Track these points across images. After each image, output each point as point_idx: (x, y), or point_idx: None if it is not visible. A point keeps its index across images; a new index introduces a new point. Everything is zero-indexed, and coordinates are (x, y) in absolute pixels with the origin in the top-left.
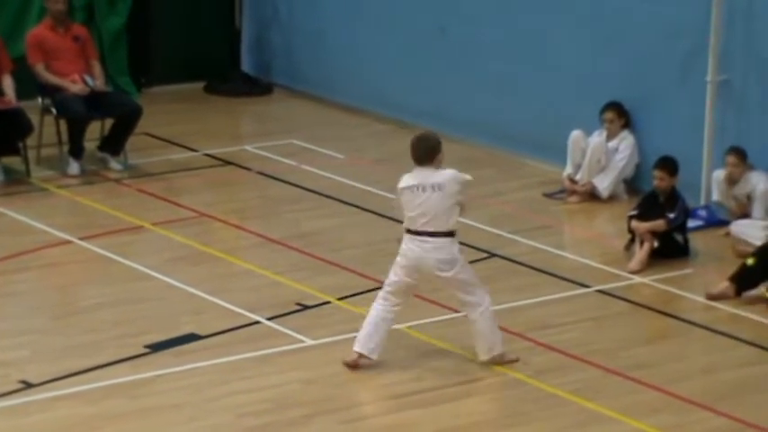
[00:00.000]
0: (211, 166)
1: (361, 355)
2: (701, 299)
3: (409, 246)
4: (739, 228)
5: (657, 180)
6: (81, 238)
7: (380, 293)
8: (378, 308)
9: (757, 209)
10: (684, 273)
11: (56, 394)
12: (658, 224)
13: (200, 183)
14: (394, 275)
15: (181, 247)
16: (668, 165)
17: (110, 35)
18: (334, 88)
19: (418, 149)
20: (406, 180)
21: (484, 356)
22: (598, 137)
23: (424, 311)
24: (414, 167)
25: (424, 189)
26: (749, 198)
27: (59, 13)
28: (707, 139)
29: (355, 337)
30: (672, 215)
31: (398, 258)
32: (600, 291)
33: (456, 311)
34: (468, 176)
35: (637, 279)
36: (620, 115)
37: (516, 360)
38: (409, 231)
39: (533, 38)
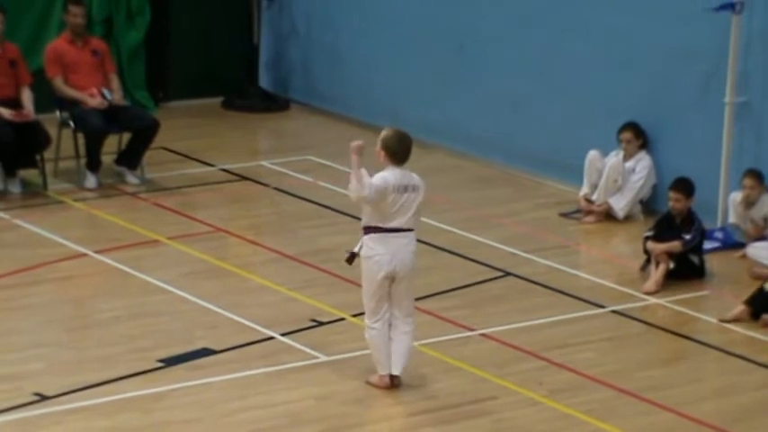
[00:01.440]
0: (228, 182)
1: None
2: (717, 321)
3: (379, 247)
4: (755, 250)
5: (673, 201)
6: (97, 252)
7: (376, 323)
8: (382, 329)
9: None
10: (700, 294)
11: (70, 407)
12: (674, 245)
13: (216, 198)
14: (374, 299)
15: (196, 261)
16: (684, 186)
17: (128, 49)
18: (350, 105)
19: (407, 149)
20: (393, 179)
21: (397, 371)
22: (615, 157)
23: (438, 329)
24: (393, 166)
25: (406, 189)
26: (766, 220)
27: (78, 27)
28: (724, 161)
29: (365, 353)
30: (688, 236)
31: (373, 271)
32: (615, 311)
33: (471, 329)
34: None
35: (652, 300)
36: (637, 136)
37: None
38: (379, 230)
39: (551, 57)
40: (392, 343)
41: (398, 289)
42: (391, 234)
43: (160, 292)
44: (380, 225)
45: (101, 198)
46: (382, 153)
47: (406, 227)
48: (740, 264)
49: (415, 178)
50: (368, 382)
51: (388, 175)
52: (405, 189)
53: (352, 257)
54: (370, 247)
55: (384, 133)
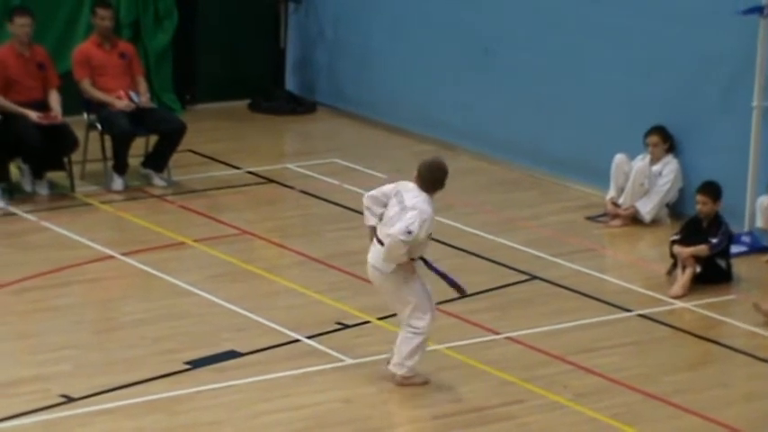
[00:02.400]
0: (254, 184)
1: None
2: (744, 325)
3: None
4: None
5: (700, 205)
6: (123, 254)
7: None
8: None
9: None
10: (727, 298)
11: (96, 409)
12: (701, 249)
13: (242, 200)
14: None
15: (222, 264)
16: (711, 189)
17: (155, 52)
18: (377, 108)
19: (444, 178)
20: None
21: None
22: (642, 161)
23: (464, 333)
24: (418, 187)
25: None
26: None
27: (106, 30)
28: (752, 165)
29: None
30: (715, 240)
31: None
32: (641, 315)
33: (496, 333)
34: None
35: (679, 304)
36: (664, 139)
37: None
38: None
39: (577, 60)
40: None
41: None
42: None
43: (186, 295)
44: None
45: (127, 200)
46: (419, 180)
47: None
48: (767, 268)
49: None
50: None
51: (429, 204)
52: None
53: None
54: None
55: (424, 161)
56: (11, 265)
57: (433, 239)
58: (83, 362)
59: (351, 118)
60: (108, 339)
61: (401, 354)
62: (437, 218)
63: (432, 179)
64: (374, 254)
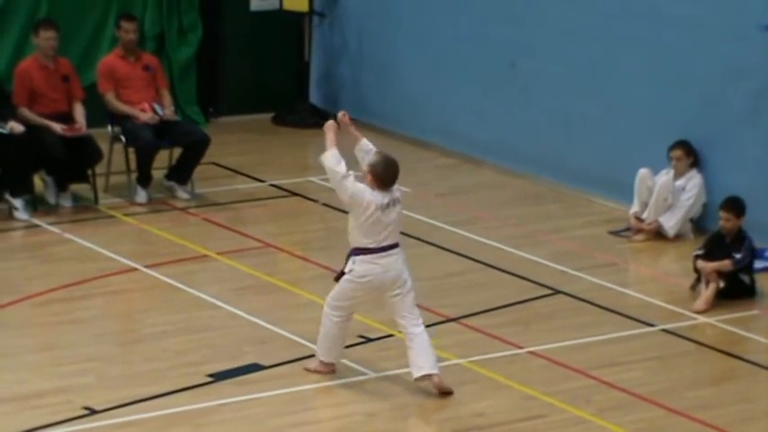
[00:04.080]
0: (277, 197)
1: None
2: None
3: (370, 266)
4: None
5: (723, 221)
6: (147, 266)
7: (333, 307)
8: (335, 320)
9: None
10: (750, 314)
11: (119, 421)
12: (724, 264)
13: (265, 213)
14: (349, 297)
15: (245, 276)
16: (734, 205)
17: (180, 65)
18: (400, 121)
19: (393, 176)
20: (375, 198)
21: (436, 369)
22: (665, 175)
23: (486, 347)
24: (378, 188)
25: (388, 205)
26: None
27: (130, 43)
28: None
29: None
30: (738, 255)
31: (357, 282)
32: (664, 330)
33: (519, 347)
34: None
35: (702, 319)
36: (687, 154)
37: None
38: (370, 251)
39: (602, 74)
40: (412, 349)
41: (403, 302)
42: (382, 254)
43: (209, 307)
44: (369, 246)
45: (151, 213)
46: (369, 177)
47: (393, 242)
48: None
49: (395, 192)
50: (308, 369)
51: (370, 192)
52: (387, 205)
53: (340, 276)
54: (361, 269)
55: (373, 158)
56: (34, 278)
57: (456, 253)
58: (105, 374)
59: (374, 131)
60: (131, 352)
61: (431, 348)
62: (461, 231)
63: (390, 176)
64: (395, 261)
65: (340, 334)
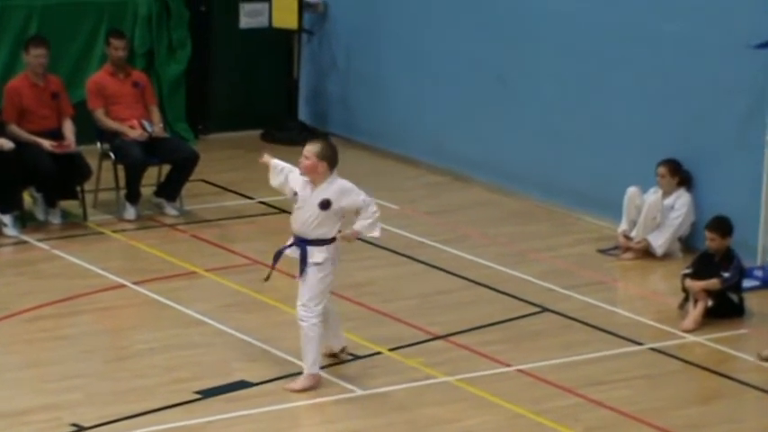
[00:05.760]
0: (266, 214)
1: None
2: (756, 359)
3: (335, 250)
4: None
5: (709, 241)
6: (135, 283)
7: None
8: (316, 322)
9: None
10: (739, 333)
11: None
12: (713, 283)
13: (254, 230)
14: (326, 291)
15: (234, 294)
16: (720, 225)
17: (169, 82)
18: (389, 139)
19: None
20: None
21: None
22: (654, 194)
23: (475, 364)
24: (332, 173)
25: None
26: None
27: (120, 60)
28: (764, 199)
29: (401, 388)
30: (726, 274)
31: (331, 270)
32: (653, 349)
33: (507, 365)
34: None
35: (690, 338)
36: (672, 172)
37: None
38: (334, 238)
39: (591, 92)
40: (330, 326)
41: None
42: None
43: (197, 324)
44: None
45: (140, 229)
46: (323, 164)
47: None
48: None
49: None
50: (294, 390)
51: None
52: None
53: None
54: (333, 255)
55: (315, 147)
56: (23, 294)
57: (445, 271)
58: (93, 391)
59: (363, 148)
60: (119, 368)
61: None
62: (450, 249)
63: (336, 159)
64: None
65: (322, 335)
